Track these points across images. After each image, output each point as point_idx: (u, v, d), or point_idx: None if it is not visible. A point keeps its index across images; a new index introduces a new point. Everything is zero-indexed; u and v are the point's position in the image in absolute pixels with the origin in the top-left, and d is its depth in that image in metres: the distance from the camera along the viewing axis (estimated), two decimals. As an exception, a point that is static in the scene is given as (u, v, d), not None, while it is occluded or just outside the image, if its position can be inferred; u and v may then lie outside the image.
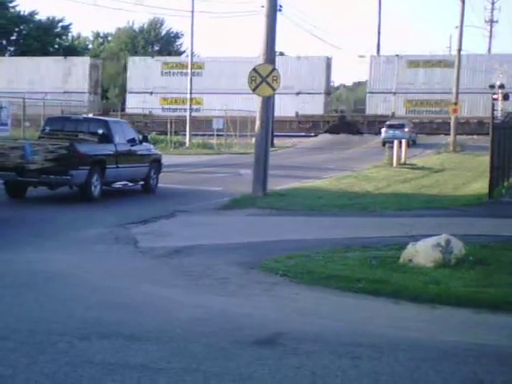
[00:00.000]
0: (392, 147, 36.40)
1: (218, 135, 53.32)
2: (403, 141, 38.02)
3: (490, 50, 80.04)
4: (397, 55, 68.48)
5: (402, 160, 36.23)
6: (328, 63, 70.66)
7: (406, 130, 54.59)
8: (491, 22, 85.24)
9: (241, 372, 6.10)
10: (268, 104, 21.95)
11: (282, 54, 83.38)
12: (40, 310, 8.17)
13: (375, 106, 66.65)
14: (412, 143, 51.60)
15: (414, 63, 67.55)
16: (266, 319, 8.14)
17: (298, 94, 68.00)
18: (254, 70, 21.58)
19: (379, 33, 76.71)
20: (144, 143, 23.19)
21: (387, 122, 57.19)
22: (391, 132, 53.21)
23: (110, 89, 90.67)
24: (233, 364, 6.30)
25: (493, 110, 22.70)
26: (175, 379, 5.87)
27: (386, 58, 68.22)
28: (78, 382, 5.78)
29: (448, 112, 51.18)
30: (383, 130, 55.32)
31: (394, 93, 66.47)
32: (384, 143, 49.37)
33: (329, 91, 73.10)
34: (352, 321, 8.29)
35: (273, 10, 22.22)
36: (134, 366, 6.17)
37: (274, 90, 21.60)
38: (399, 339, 7.41)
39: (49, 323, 7.56)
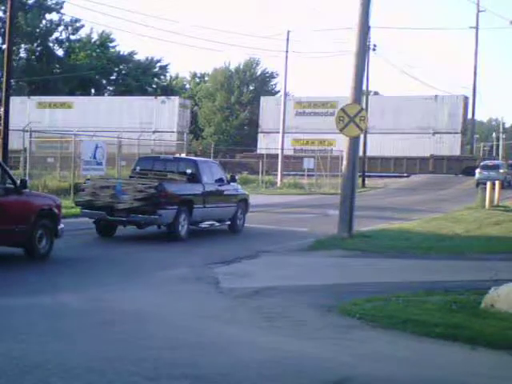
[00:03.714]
0: (485, 188, 35.73)
1: (308, 175, 53.49)
2: (496, 182, 37.29)
3: None
4: (29, 97, 76.23)
5: (495, 202, 35.47)
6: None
7: (501, 171, 53.73)
8: None
9: (304, 417, 6.08)
10: (356, 144, 21.88)
11: (376, 93, 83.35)
12: (115, 349, 8.27)
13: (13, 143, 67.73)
14: (507, 185, 50.66)
15: (43, 104, 75.24)
16: (338, 362, 8.08)
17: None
18: (342, 109, 21.55)
19: (475, 74, 76.16)
20: (231, 183, 23.45)
21: (481, 163, 56.34)
22: (485, 173, 52.39)
23: (205, 128, 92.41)
24: (297, 409, 6.28)
25: None
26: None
27: (20, 100, 71.68)
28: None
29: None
30: (477, 170, 54.56)
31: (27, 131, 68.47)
32: (478, 184, 48.61)
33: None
34: (425, 366, 8.14)
35: (362, 49, 22.17)
36: (199, 409, 6.21)
37: (361, 130, 21.54)
38: (471, 387, 7.27)
39: (122, 363, 7.64)
